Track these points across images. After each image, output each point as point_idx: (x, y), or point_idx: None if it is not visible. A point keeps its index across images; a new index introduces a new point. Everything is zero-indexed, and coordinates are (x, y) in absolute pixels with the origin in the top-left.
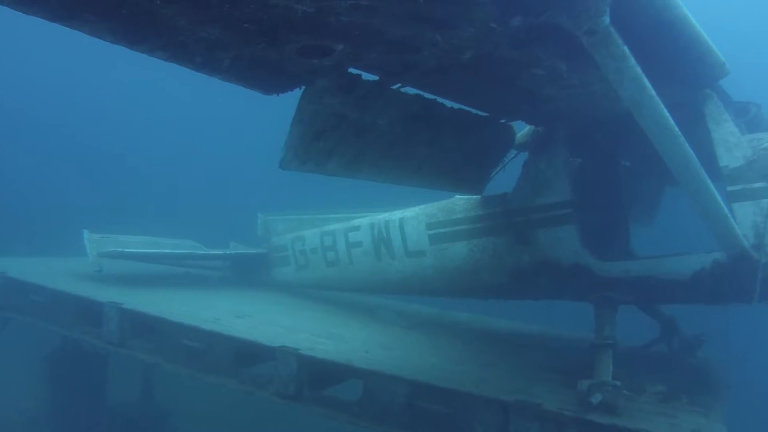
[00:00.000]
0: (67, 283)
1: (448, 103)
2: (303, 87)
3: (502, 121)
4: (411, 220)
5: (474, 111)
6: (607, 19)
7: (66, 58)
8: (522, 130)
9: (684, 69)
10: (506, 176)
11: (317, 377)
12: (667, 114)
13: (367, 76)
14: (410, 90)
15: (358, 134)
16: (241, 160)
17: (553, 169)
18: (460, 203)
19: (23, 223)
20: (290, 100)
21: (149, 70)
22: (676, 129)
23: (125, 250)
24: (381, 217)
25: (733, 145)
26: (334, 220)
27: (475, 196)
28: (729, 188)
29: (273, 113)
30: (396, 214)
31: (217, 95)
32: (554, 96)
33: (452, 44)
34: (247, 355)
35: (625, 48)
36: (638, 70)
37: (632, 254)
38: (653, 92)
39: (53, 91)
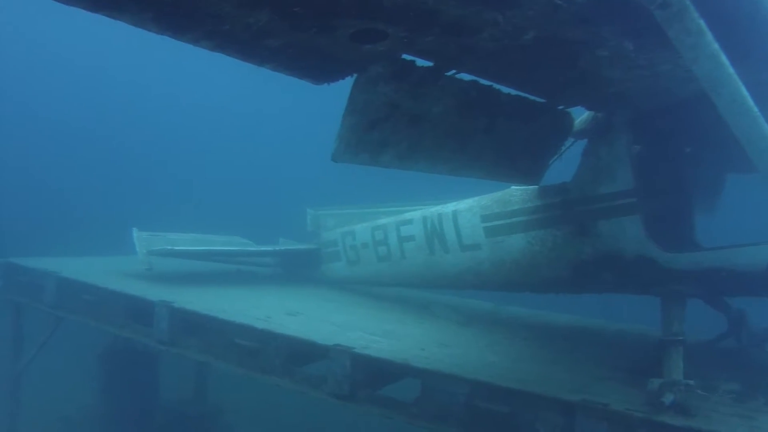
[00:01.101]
0: (118, 282)
1: (504, 90)
2: (355, 75)
3: (560, 107)
4: (465, 213)
5: (531, 97)
6: None
7: (111, 55)
8: (579, 116)
9: (764, 44)
10: (562, 166)
11: (372, 377)
12: (746, 93)
13: (420, 62)
14: (465, 76)
15: (413, 123)
16: (289, 154)
17: (615, 156)
18: (516, 194)
19: (75, 223)
20: (341, 89)
21: (195, 64)
22: (756, 109)
23: (175, 248)
24: (433, 210)
25: None
26: (384, 213)
27: (532, 187)
28: None
29: (322, 104)
30: (449, 207)
31: (265, 86)
32: (618, 79)
33: (513, 24)
34: (300, 354)
35: (702, 22)
36: (716, 45)
37: (698, 245)
38: (731, 70)
39: (100, 92)
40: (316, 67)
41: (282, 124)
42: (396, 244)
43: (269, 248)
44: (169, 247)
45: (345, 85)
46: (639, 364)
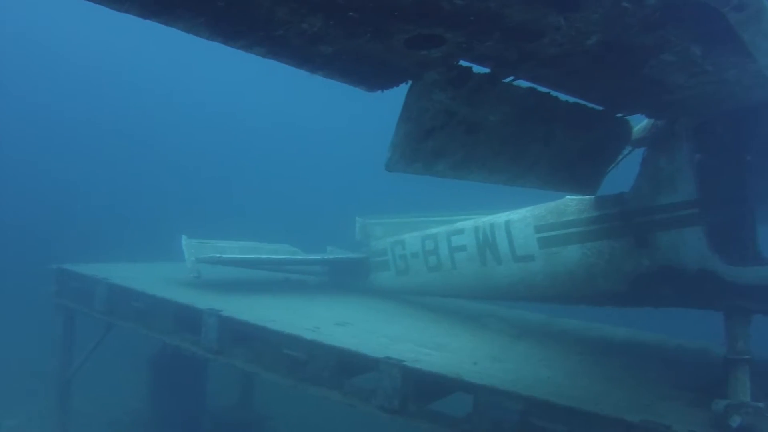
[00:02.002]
0: (167, 289)
1: (562, 97)
2: (410, 82)
3: (619, 115)
4: (518, 223)
5: (589, 105)
6: None
7: (161, 61)
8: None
9: None
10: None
11: (423, 391)
12: None
13: (477, 68)
14: (522, 83)
15: (469, 132)
16: (338, 162)
17: (676, 165)
18: (571, 204)
19: (125, 229)
20: (394, 97)
21: (244, 71)
22: None
23: (223, 256)
24: (485, 219)
25: None
26: (435, 223)
27: (588, 197)
28: None
29: (374, 110)
30: (501, 217)
31: (316, 93)
32: (682, 85)
33: (577, 29)
34: (349, 366)
35: None
36: None
37: (763, 258)
38: None
39: (151, 99)
40: (370, 74)
41: (332, 131)
42: (447, 254)
43: (317, 257)
44: (218, 255)
45: (399, 92)
46: (702, 384)
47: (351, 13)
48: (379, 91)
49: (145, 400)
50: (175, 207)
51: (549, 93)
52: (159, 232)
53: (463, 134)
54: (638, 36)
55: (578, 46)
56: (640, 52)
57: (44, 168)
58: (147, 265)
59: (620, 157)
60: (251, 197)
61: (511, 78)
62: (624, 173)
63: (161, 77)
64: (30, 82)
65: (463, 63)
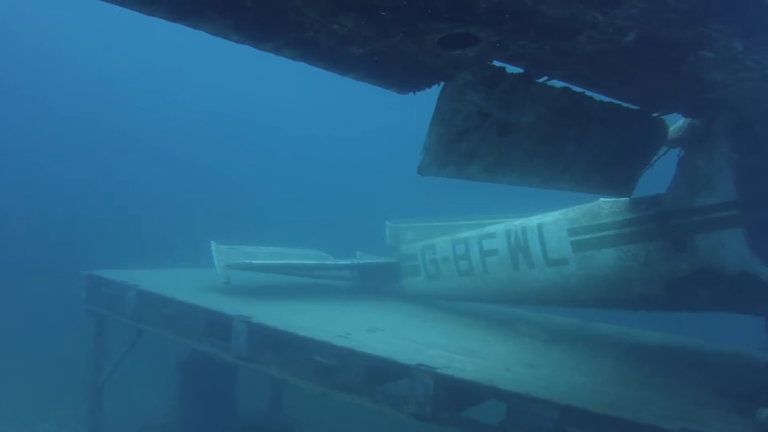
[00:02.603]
0: (196, 295)
1: (597, 97)
2: (442, 83)
3: (655, 114)
4: (551, 226)
5: (624, 104)
6: None
7: (188, 65)
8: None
9: None
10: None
11: (456, 398)
12: None
13: (510, 69)
14: (555, 83)
15: (503, 133)
16: (366, 166)
17: (714, 166)
18: (606, 206)
19: (154, 235)
20: (424, 99)
21: (270, 74)
22: None
23: (252, 261)
24: (517, 223)
25: None
26: (466, 227)
27: (622, 199)
28: None
29: (406, 114)
30: (533, 220)
31: (346, 95)
32: (721, 82)
33: (615, 25)
34: (380, 373)
35: None
36: None
37: None
38: None
39: (178, 102)
40: (402, 75)
41: (363, 134)
42: (478, 258)
43: (347, 262)
44: (248, 261)
45: (431, 94)
46: (743, 390)
47: (383, 13)
48: (411, 94)
49: (175, 406)
50: (205, 212)
51: (583, 93)
52: (189, 238)
53: (497, 136)
54: (677, 32)
55: (615, 43)
56: (678, 49)
57: (72, 172)
58: (176, 270)
59: (655, 157)
60: (280, 201)
61: (545, 78)
62: (656, 174)
63: (189, 82)
64: (54, 87)
65: (496, 63)
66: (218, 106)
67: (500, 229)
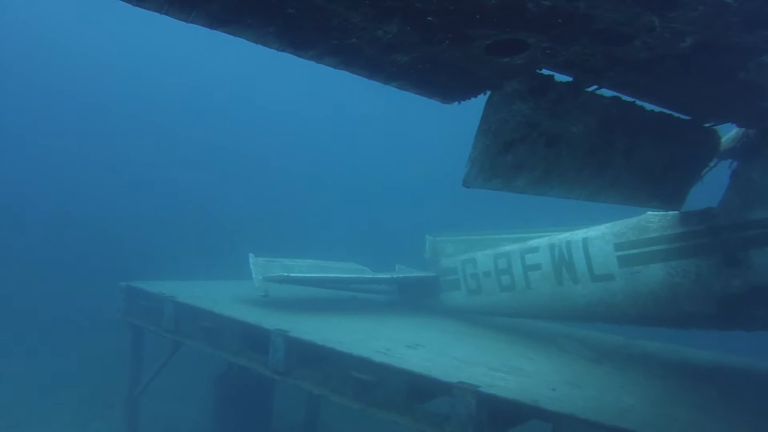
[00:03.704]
0: (234, 308)
1: (648, 107)
2: (488, 92)
3: (707, 124)
4: (596, 240)
5: (676, 114)
6: None
7: (232, 69)
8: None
9: None
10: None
11: (498, 418)
12: None
13: (559, 77)
14: (605, 92)
15: (551, 144)
16: (407, 177)
17: None
18: (654, 220)
19: (193, 246)
20: (467, 109)
21: (309, 80)
22: None
23: (291, 274)
24: (561, 237)
25: None
26: (507, 240)
27: (671, 212)
28: None
29: (447, 123)
30: (578, 234)
31: (386, 104)
32: None
33: (672, 29)
34: (421, 391)
35: None
36: None
37: None
38: None
39: (222, 114)
40: (447, 84)
41: (402, 144)
42: (520, 273)
43: (386, 276)
44: (285, 274)
45: (476, 104)
46: None
47: (429, 18)
48: (456, 103)
49: (211, 420)
50: (242, 225)
51: (634, 102)
52: (228, 250)
53: (544, 147)
54: (738, 36)
55: (671, 48)
56: (738, 54)
57: (111, 184)
58: (215, 283)
59: (706, 169)
60: (318, 214)
61: (594, 87)
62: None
63: (223, 88)
64: (105, 89)
65: (544, 71)
66: (261, 113)
67: (543, 243)
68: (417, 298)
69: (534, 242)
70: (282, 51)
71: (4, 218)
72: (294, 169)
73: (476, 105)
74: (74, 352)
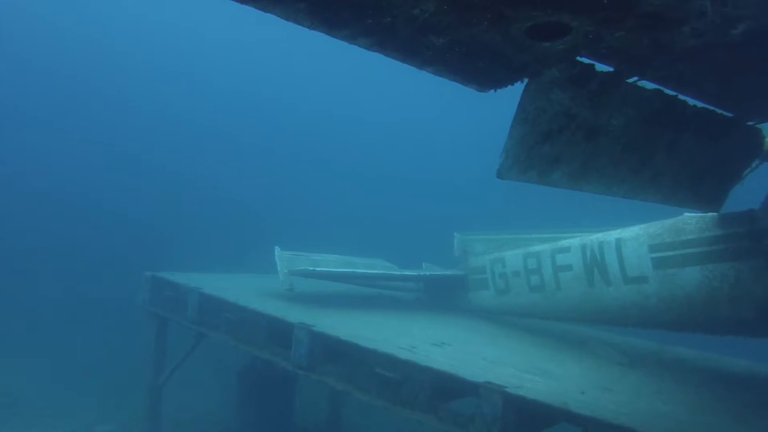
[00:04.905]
0: (259, 301)
1: (690, 101)
2: (526, 80)
3: (750, 122)
4: (630, 242)
5: (718, 110)
6: None
7: (260, 60)
8: None
9: None
10: None
11: (525, 420)
12: None
13: (600, 67)
14: (647, 84)
15: (590, 137)
16: (436, 175)
17: None
18: (691, 222)
19: (222, 238)
20: (501, 103)
21: (342, 72)
22: None
23: (317, 269)
24: (593, 237)
25: None
26: (538, 240)
27: (710, 214)
28: None
29: (478, 115)
30: (611, 235)
31: (415, 95)
32: None
33: (724, 14)
34: (446, 390)
35: None
36: None
37: None
38: None
39: (248, 104)
40: (484, 70)
41: (428, 136)
42: (551, 273)
43: (413, 273)
44: (311, 268)
45: (513, 92)
46: None
47: None
48: (492, 91)
49: (233, 413)
50: (268, 218)
51: (677, 96)
52: (254, 243)
53: (583, 139)
54: None
55: (721, 36)
56: None
57: (143, 177)
58: (240, 275)
59: (748, 170)
60: (345, 209)
61: (635, 78)
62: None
63: (256, 77)
64: (139, 84)
65: (585, 60)
66: (294, 110)
67: (575, 243)
68: (444, 297)
69: (565, 242)
70: (314, 29)
71: (32, 207)
72: (323, 165)
73: (511, 100)
74: (100, 342)
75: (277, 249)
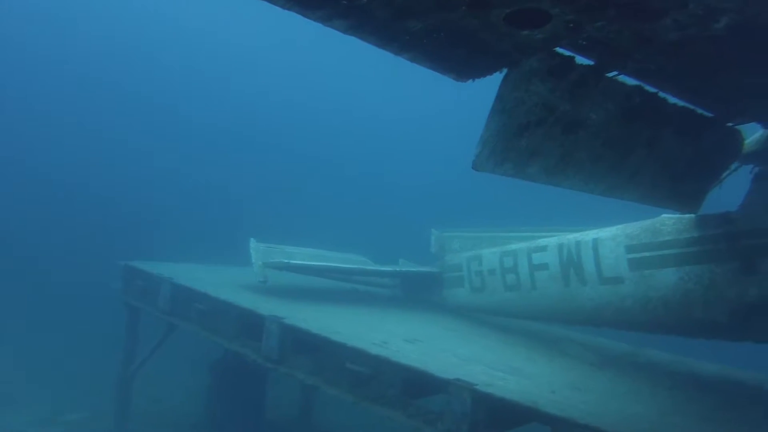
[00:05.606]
0: (231, 292)
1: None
2: (505, 70)
3: (730, 123)
4: (607, 242)
5: (698, 110)
6: None
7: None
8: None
9: None
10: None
11: (495, 418)
12: None
13: (580, 60)
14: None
15: (568, 131)
16: (415, 172)
17: None
18: (668, 223)
19: (197, 229)
20: (481, 98)
21: (332, 68)
22: None
23: (291, 261)
24: (571, 237)
25: None
26: (516, 239)
27: (687, 215)
28: None
29: (458, 110)
30: (589, 234)
31: (395, 90)
32: None
33: (706, 6)
34: (416, 386)
35: None
36: None
37: None
38: None
39: (232, 97)
40: (462, 58)
41: (406, 132)
42: (527, 272)
43: (389, 269)
44: (286, 261)
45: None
46: None
47: None
48: (470, 80)
49: (205, 405)
50: (250, 211)
51: (657, 93)
52: (235, 235)
53: (562, 133)
54: None
55: (704, 29)
56: None
57: (122, 166)
58: (216, 267)
59: (727, 172)
60: (322, 203)
61: (616, 73)
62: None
63: (239, 74)
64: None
65: (565, 52)
66: (264, 98)
67: (552, 242)
68: (419, 293)
69: (542, 241)
70: (289, 9)
71: (10, 195)
72: (305, 160)
73: (491, 93)
74: (74, 331)
75: (252, 240)
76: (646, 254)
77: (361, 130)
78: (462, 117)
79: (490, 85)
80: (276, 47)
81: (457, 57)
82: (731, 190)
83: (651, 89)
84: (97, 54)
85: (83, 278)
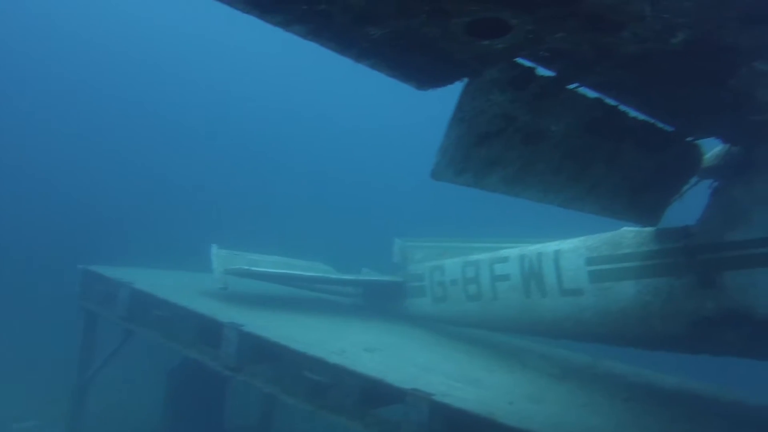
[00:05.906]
0: (191, 299)
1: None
2: (466, 80)
3: (689, 138)
4: (568, 254)
5: (659, 124)
6: None
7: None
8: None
9: None
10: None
11: (452, 428)
12: None
13: (541, 72)
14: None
15: (528, 142)
16: (376, 178)
17: (753, 198)
18: (629, 236)
19: (163, 234)
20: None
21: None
22: None
23: (252, 268)
24: (533, 248)
25: None
26: (479, 249)
27: (647, 229)
28: None
29: (420, 119)
30: (550, 246)
31: (362, 96)
32: None
33: (664, 21)
34: (374, 396)
35: None
36: None
37: None
38: None
39: (198, 100)
40: (423, 66)
41: (370, 139)
42: (488, 283)
43: (351, 277)
44: (246, 267)
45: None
46: None
47: None
48: (431, 89)
49: (163, 413)
50: (216, 216)
51: (617, 106)
52: (198, 240)
53: (521, 143)
54: (733, 35)
55: (662, 43)
56: (730, 57)
57: (84, 168)
58: (178, 273)
59: (687, 186)
60: (285, 210)
61: (577, 85)
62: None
63: (197, 69)
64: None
65: (526, 63)
66: (232, 101)
67: (514, 253)
68: (382, 302)
69: (504, 252)
70: (247, 13)
71: None
72: (273, 167)
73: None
74: (28, 336)
75: (214, 247)
76: (606, 267)
77: (326, 140)
78: (426, 126)
79: (455, 94)
80: (242, 49)
81: (418, 65)
82: (695, 204)
83: (612, 102)
84: (68, 53)
85: (40, 281)
